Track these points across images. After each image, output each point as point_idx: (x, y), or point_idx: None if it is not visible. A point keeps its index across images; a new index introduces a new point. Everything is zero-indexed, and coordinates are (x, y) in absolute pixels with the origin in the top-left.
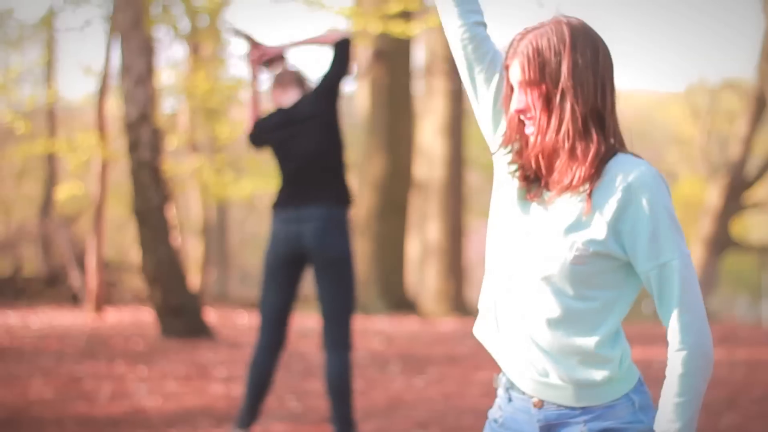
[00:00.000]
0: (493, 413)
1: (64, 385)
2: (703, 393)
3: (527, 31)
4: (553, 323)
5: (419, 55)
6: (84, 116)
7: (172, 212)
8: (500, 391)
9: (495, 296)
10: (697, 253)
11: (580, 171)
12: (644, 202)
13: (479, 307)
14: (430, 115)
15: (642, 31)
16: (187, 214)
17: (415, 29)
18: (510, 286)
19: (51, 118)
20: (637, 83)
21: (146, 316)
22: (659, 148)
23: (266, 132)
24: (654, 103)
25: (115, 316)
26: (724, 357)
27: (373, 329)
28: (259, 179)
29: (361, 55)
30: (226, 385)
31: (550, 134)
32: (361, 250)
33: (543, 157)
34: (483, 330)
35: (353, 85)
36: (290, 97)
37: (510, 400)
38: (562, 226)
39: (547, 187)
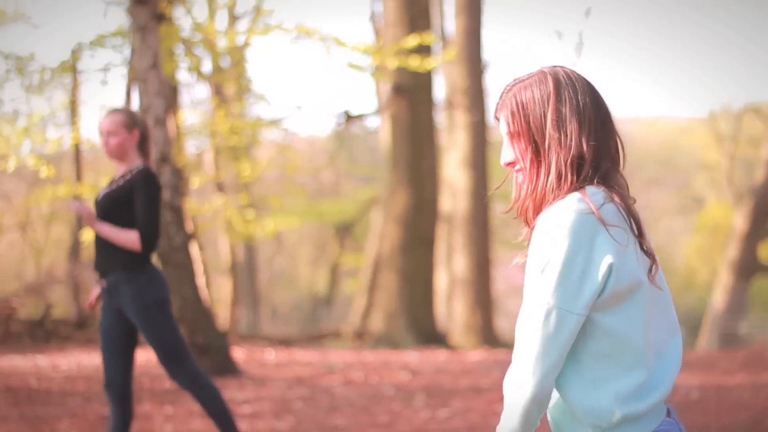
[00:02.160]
0: None
1: (90, 426)
2: None
3: (514, 83)
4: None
5: (440, 88)
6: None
7: (195, 251)
8: None
9: None
10: (725, 278)
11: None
12: (548, 237)
13: None
14: (453, 148)
15: (663, 57)
16: (215, 253)
17: (432, 63)
18: None
19: (76, 161)
20: (661, 110)
21: None
22: (686, 174)
23: None
24: (678, 129)
25: (143, 356)
26: (747, 381)
27: (399, 362)
28: (284, 217)
29: (382, 90)
30: (251, 422)
31: (541, 185)
32: (388, 285)
33: (533, 209)
34: None
35: (376, 120)
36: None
37: None
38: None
39: None
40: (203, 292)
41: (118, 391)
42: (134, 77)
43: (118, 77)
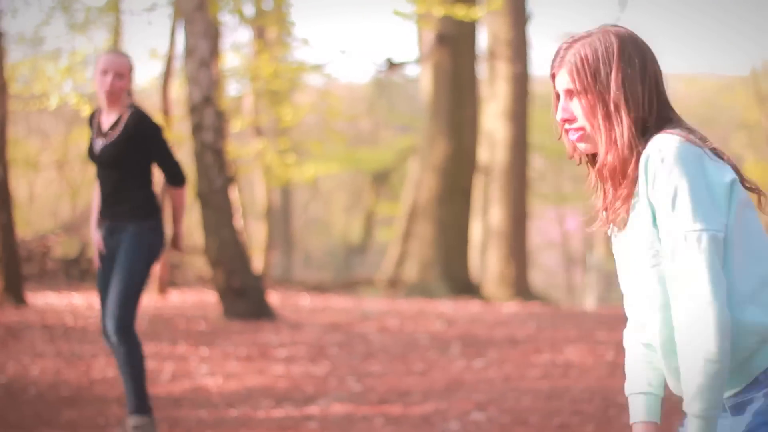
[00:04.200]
0: None
1: None
2: (701, 380)
3: (574, 40)
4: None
5: (483, 39)
6: (149, 99)
7: (235, 194)
8: None
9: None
10: None
11: (628, 185)
12: (663, 174)
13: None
14: (493, 99)
15: (706, 13)
16: (251, 197)
17: (478, 12)
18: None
19: None
20: (702, 67)
21: (209, 298)
22: (725, 133)
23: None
24: (719, 87)
25: (179, 298)
26: None
27: (433, 311)
28: (322, 163)
29: (425, 39)
30: (287, 366)
31: (619, 142)
32: (423, 234)
33: (618, 170)
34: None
35: (416, 69)
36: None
37: None
38: (635, 243)
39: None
40: (241, 236)
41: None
42: (180, 18)
43: (163, 18)
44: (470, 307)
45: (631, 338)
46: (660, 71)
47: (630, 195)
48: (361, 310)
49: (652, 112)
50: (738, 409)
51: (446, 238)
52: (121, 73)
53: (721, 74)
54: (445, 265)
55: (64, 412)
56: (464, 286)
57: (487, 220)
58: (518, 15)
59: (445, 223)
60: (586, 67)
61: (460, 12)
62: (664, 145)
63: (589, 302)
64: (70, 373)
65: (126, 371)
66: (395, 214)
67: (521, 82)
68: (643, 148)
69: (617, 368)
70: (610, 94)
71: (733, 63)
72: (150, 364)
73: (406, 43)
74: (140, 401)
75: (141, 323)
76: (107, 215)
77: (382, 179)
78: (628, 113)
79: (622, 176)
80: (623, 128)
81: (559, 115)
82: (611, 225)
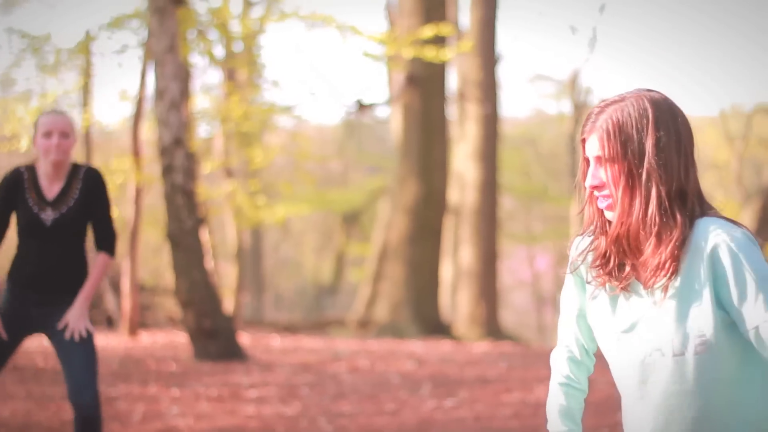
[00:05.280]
0: None
1: None
2: None
3: (606, 104)
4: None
5: (453, 80)
6: (120, 141)
7: (205, 236)
8: None
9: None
10: None
11: (666, 254)
12: (729, 265)
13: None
14: (463, 140)
15: (675, 55)
16: (222, 238)
17: (448, 54)
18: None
19: (87, 142)
20: None
21: (180, 339)
22: None
23: None
24: None
25: (150, 339)
26: None
27: (404, 351)
28: (293, 204)
29: (395, 80)
30: (258, 407)
31: (636, 215)
32: (393, 274)
33: (630, 238)
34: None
35: (386, 110)
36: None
37: None
38: (672, 316)
39: (634, 271)
40: (212, 277)
41: None
42: (150, 60)
43: (134, 60)
44: (441, 346)
45: (560, 366)
46: (693, 140)
47: (670, 268)
48: (332, 351)
49: (689, 182)
50: None
51: (417, 278)
52: (65, 132)
53: (691, 115)
54: (415, 305)
55: None
56: (435, 326)
57: (457, 260)
58: (488, 56)
59: (415, 263)
60: (617, 133)
61: (430, 53)
62: (731, 237)
63: None
64: (40, 414)
65: None
66: (366, 255)
67: (491, 123)
68: (685, 221)
69: (588, 407)
70: (639, 162)
71: (702, 104)
72: (121, 405)
73: (376, 84)
74: None
75: (112, 364)
76: (39, 288)
77: (352, 220)
78: (660, 183)
79: (638, 245)
80: (651, 198)
81: (588, 182)
82: (607, 285)
